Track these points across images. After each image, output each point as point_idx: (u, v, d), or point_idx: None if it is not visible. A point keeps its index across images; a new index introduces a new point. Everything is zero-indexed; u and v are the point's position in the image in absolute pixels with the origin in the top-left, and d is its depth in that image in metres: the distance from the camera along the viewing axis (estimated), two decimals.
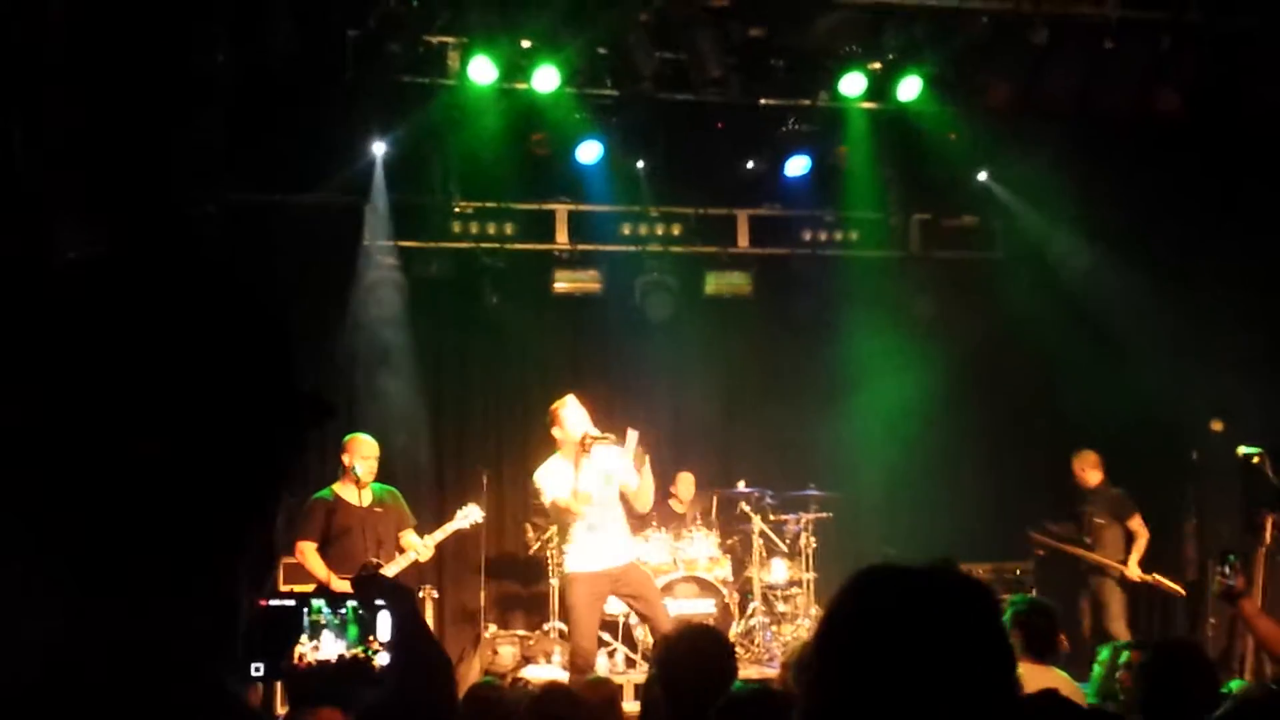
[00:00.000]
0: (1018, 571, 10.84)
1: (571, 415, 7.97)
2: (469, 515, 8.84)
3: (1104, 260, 10.65)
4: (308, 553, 8.18)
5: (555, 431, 8.01)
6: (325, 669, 1.87)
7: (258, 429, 1.36)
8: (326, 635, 1.85)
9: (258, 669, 1.85)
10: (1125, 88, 9.40)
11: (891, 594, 1.64)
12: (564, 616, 8.64)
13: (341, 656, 1.86)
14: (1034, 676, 5.43)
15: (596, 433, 7.89)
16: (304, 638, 1.84)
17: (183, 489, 1.34)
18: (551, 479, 7.91)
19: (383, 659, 1.89)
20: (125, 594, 1.33)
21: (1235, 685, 5.56)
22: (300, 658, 1.86)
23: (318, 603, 1.86)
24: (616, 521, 8.05)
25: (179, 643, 1.35)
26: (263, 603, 1.88)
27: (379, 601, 1.90)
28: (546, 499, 7.94)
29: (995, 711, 1.54)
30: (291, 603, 1.90)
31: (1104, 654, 5.95)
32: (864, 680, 1.57)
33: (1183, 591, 10.03)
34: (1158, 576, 9.93)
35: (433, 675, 1.97)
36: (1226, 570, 5.82)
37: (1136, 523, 10.08)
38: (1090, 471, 10.26)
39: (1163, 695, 4.35)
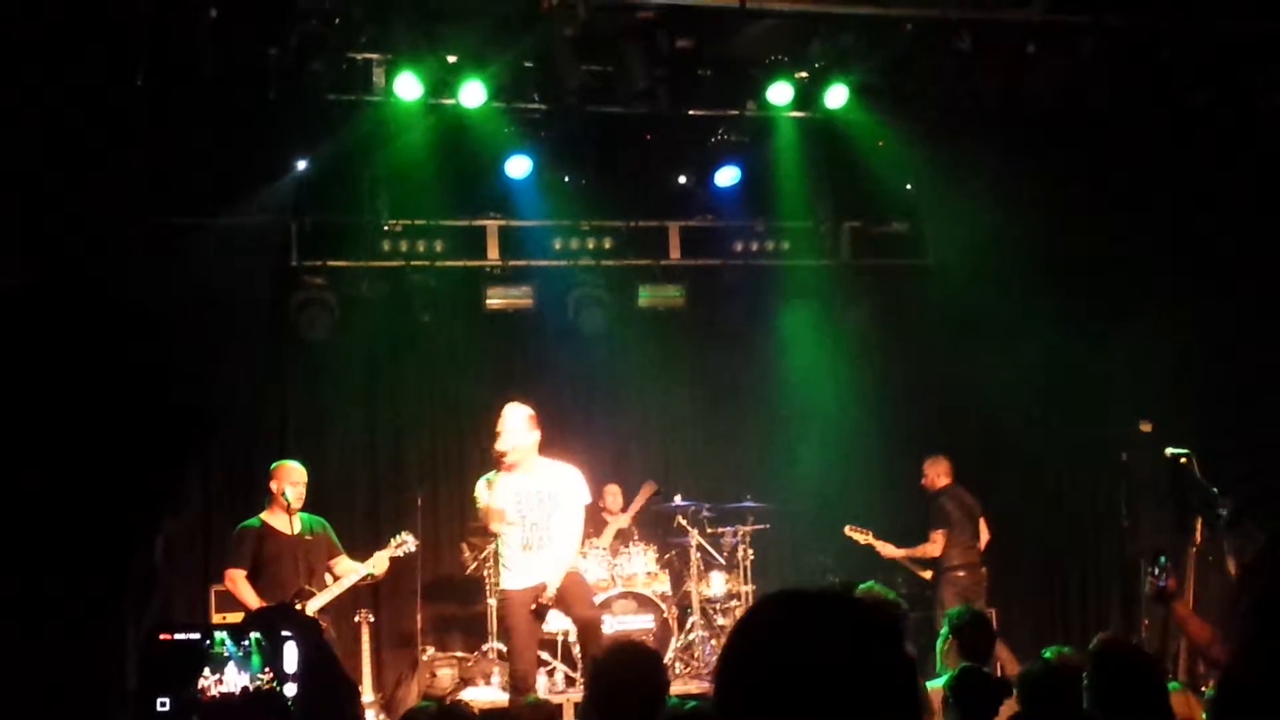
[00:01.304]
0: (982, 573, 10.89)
1: (505, 424, 7.95)
2: (404, 544, 8.79)
3: (1033, 265, 10.73)
4: (238, 580, 8.11)
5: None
6: (233, 701, 1.80)
7: (131, 450, 1.30)
8: (229, 668, 1.79)
9: (163, 704, 1.78)
10: (1050, 91, 9.48)
11: (783, 618, 1.63)
12: (502, 637, 8.55)
13: (246, 689, 1.79)
14: None
15: (503, 449, 7.84)
16: (206, 670, 1.77)
17: (59, 520, 1.28)
18: (479, 491, 7.98)
19: (290, 689, 1.83)
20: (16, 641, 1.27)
21: (1173, 687, 5.58)
22: (204, 691, 1.79)
23: (220, 635, 1.79)
24: (551, 541, 7.95)
25: (73, 680, 1.29)
26: (165, 636, 1.81)
27: (285, 632, 1.83)
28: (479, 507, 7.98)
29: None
30: (196, 636, 1.83)
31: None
32: (753, 703, 1.55)
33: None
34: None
35: (341, 704, 1.91)
36: (1157, 571, 5.84)
37: (936, 535, 10.43)
38: (940, 476, 10.59)
39: (1114, 694, 4.36)
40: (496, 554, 8.39)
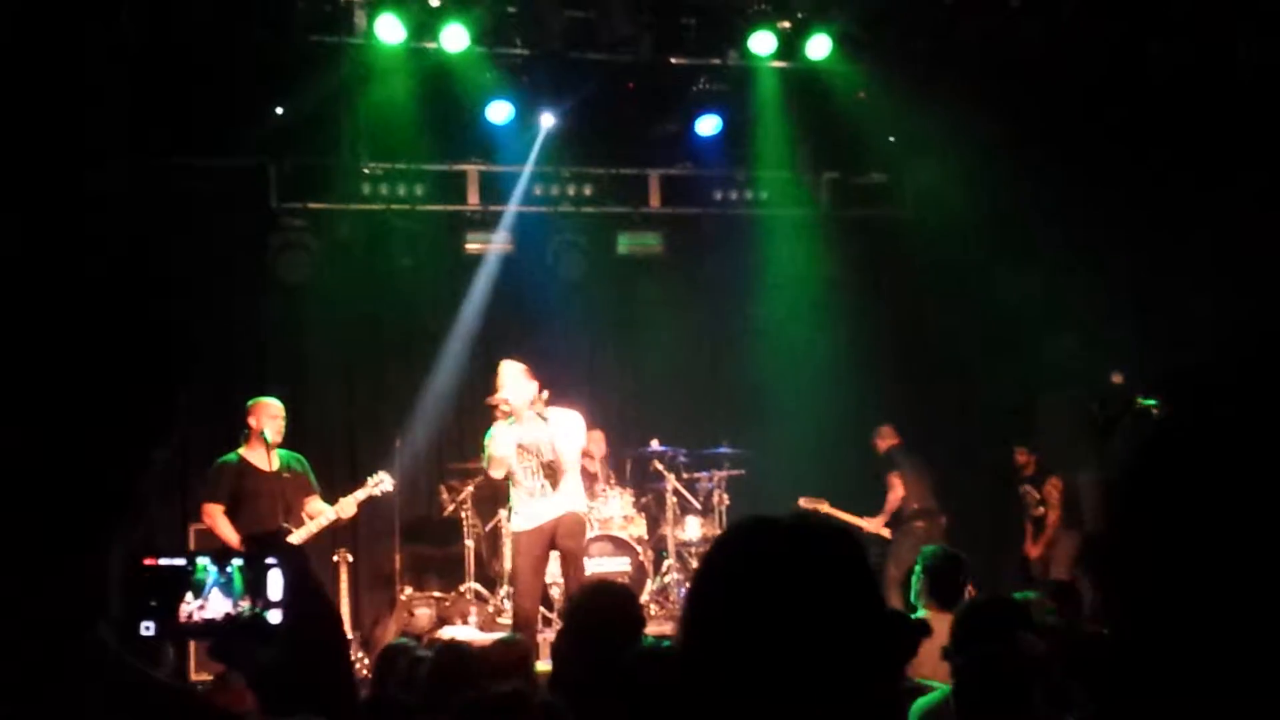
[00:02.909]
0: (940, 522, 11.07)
1: (502, 379, 8.21)
2: (380, 483, 8.83)
3: (1010, 217, 10.80)
4: (216, 516, 8.15)
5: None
6: (215, 626, 1.87)
7: (119, 387, 1.36)
8: (212, 593, 1.86)
9: (148, 628, 1.85)
10: (1031, 44, 9.54)
11: (753, 540, 1.69)
12: (511, 578, 8.76)
13: (229, 614, 1.86)
14: (939, 624, 5.54)
15: (498, 401, 8.11)
16: (189, 596, 1.84)
17: (43, 454, 1.35)
18: (487, 439, 8.21)
19: (274, 616, 1.90)
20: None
21: None
22: (187, 616, 1.86)
23: (202, 561, 1.86)
24: (548, 486, 8.25)
25: (58, 607, 1.36)
26: (149, 561, 1.87)
27: (269, 560, 1.90)
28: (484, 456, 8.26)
29: (852, 651, 1.59)
30: (181, 561, 1.90)
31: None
32: (722, 622, 1.62)
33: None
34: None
35: (326, 631, 1.98)
36: None
37: (893, 479, 10.83)
38: (886, 439, 11.03)
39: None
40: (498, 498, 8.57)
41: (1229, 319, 9.74)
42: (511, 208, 11.34)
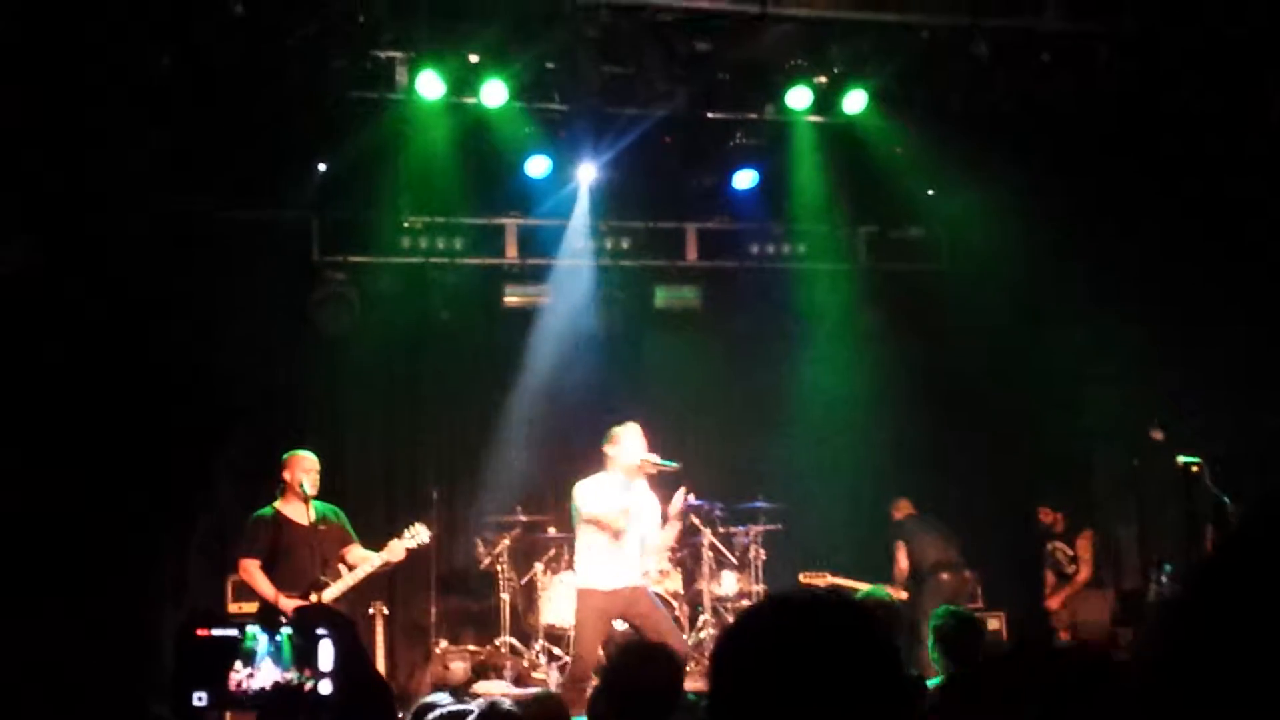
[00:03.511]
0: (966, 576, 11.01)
1: (631, 438, 8.34)
2: (417, 535, 8.81)
3: (1045, 269, 10.77)
4: (253, 571, 8.15)
5: (609, 449, 8.35)
6: (265, 695, 1.88)
7: (160, 447, 1.39)
8: (262, 662, 1.87)
9: (200, 699, 1.86)
10: (1064, 97, 9.55)
11: (769, 619, 1.72)
12: (576, 631, 8.71)
13: (278, 684, 1.87)
14: None
15: (656, 459, 8.33)
16: (238, 664, 1.85)
17: (96, 515, 1.37)
18: (598, 492, 8.26)
19: (324, 687, 1.90)
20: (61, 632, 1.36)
21: None
22: (237, 685, 1.87)
23: (251, 630, 1.87)
24: (634, 546, 8.34)
25: (110, 672, 1.38)
26: (202, 632, 1.89)
27: (320, 630, 1.91)
28: (587, 510, 8.24)
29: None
30: (233, 632, 1.91)
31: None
32: (739, 699, 1.63)
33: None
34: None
35: (375, 703, 1.99)
36: (1164, 579, 5.91)
37: (898, 549, 10.80)
38: (900, 510, 11.03)
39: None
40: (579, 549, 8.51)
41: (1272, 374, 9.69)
42: (550, 261, 11.41)
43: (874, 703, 1.64)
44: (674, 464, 8.35)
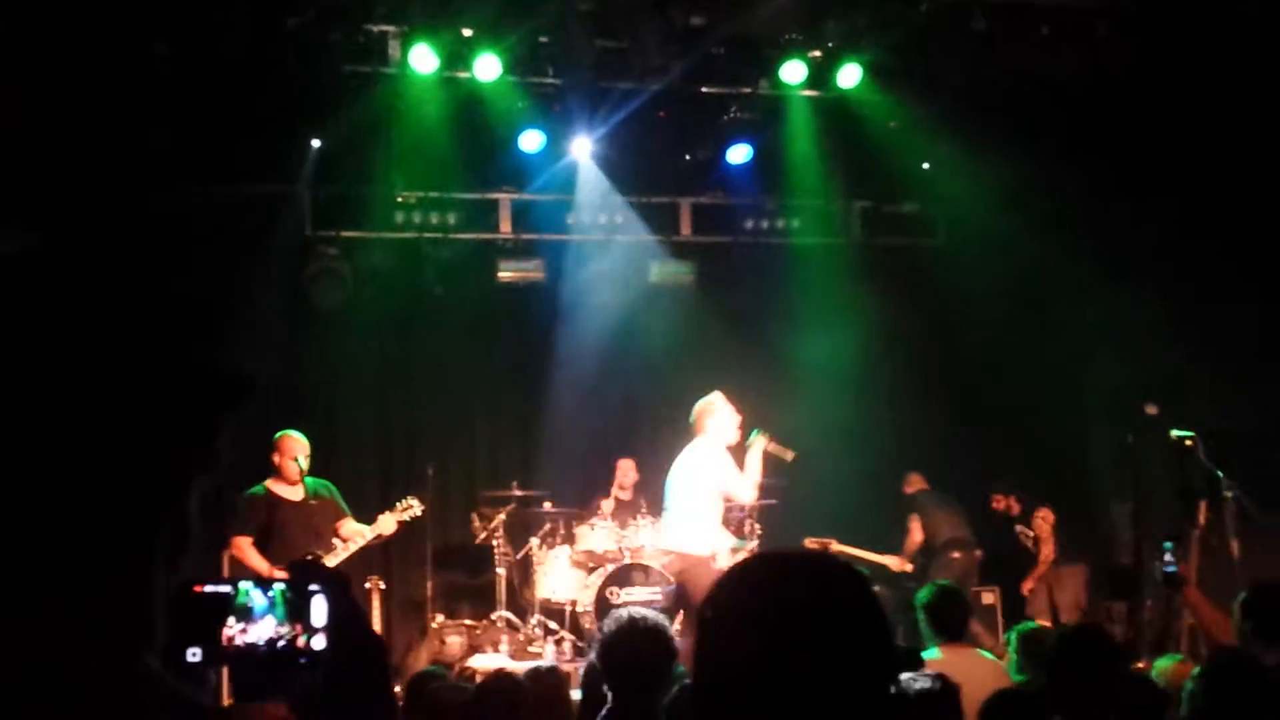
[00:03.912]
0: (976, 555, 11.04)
1: (725, 409, 8.78)
2: (410, 508, 8.92)
3: (1041, 245, 10.76)
4: (245, 548, 8.28)
5: (709, 421, 8.75)
6: (258, 651, 1.88)
7: (166, 411, 1.37)
8: (254, 619, 1.87)
9: (194, 654, 1.86)
10: (1063, 71, 9.53)
11: (757, 574, 1.70)
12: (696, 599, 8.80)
13: (271, 640, 1.87)
14: (953, 657, 5.53)
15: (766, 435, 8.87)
16: (231, 620, 1.85)
17: (95, 477, 1.36)
18: (724, 463, 8.67)
19: (318, 642, 1.90)
20: (52, 592, 1.35)
21: (1175, 659, 5.66)
22: (229, 640, 1.87)
23: (245, 586, 1.87)
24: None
25: (105, 633, 1.37)
26: (197, 588, 1.89)
27: (313, 586, 1.90)
28: (705, 481, 8.56)
29: (857, 683, 1.59)
30: (227, 588, 1.91)
31: (1012, 636, 6.06)
32: (727, 658, 1.64)
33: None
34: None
35: (369, 658, 1.99)
36: (1168, 557, 5.92)
37: (912, 522, 10.99)
38: (913, 485, 11.21)
39: (1071, 677, 4.40)
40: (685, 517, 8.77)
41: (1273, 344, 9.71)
42: (543, 236, 11.39)
43: (859, 658, 1.63)
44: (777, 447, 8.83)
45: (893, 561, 10.82)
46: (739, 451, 8.86)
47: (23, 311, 1.42)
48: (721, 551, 8.60)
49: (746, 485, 8.75)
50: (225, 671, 1.89)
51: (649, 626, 4.53)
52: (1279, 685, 4.18)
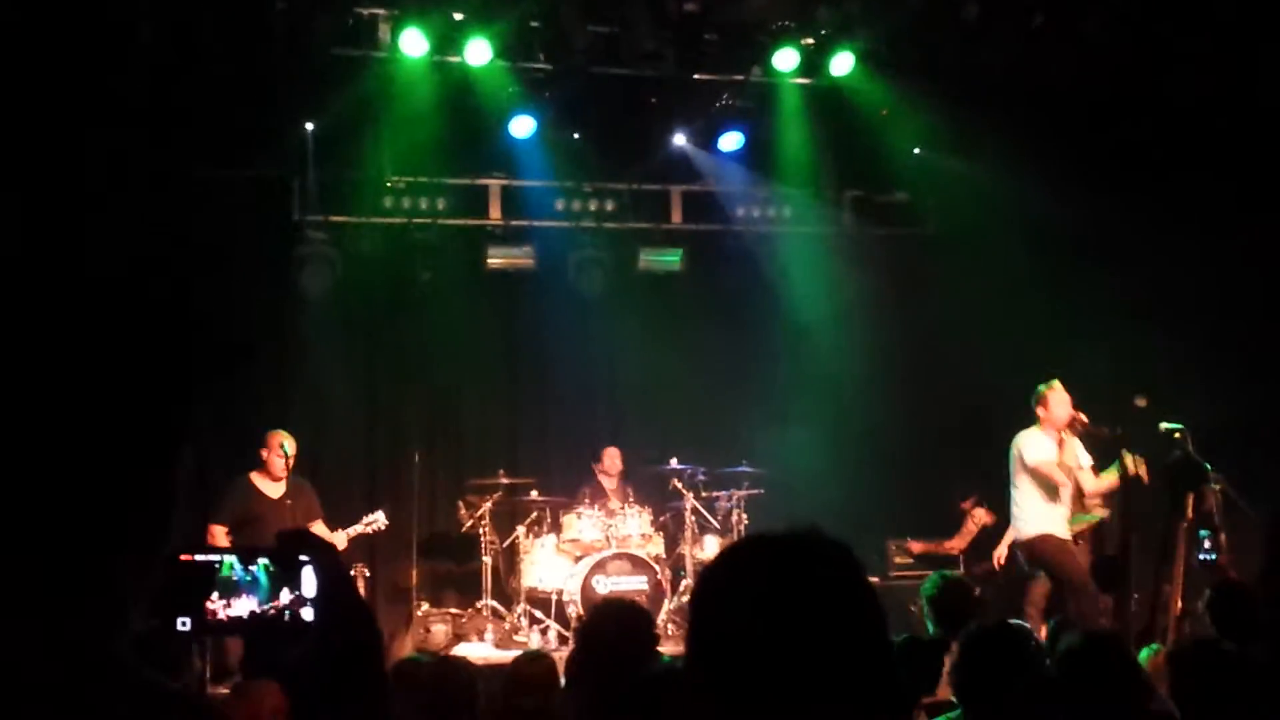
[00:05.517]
0: (945, 546, 11.04)
1: (1059, 398, 8.80)
2: (374, 522, 9.23)
3: (1034, 234, 10.73)
4: (219, 537, 8.45)
5: (1040, 410, 8.84)
6: (240, 624, 1.85)
7: (141, 388, 1.35)
8: (238, 592, 1.83)
9: (184, 623, 1.83)
10: (1054, 64, 9.51)
11: (750, 555, 1.67)
12: (1056, 572, 8.90)
13: (254, 613, 1.83)
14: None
15: (1084, 419, 8.79)
16: (215, 594, 1.81)
17: (68, 456, 1.33)
18: (1038, 445, 8.75)
19: (307, 613, 1.87)
20: (25, 582, 1.32)
21: (1146, 653, 5.65)
22: (213, 614, 1.83)
23: (229, 559, 1.84)
24: (1066, 500, 8.84)
25: (75, 619, 1.34)
26: (186, 558, 1.86)
27: (303, 557, 1.87)
28: (1029, 458, 8.70)
29: (853, 666, 1.56)
30: (215, 558, 1.88)
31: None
32: (720, 640, 1.61)
33: None
34: None
35: (359, 628, 1.95)
36: (1207, 544, 5.94)
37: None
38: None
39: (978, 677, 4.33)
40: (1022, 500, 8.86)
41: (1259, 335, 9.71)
42: (533, 223, 11.34)
43: (853, 637, 1.60)
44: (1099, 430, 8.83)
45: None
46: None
47: (7, 291, 1.39)
48: (1043, 528, 8.75)
49: (1048, 465, 8.75)
50: (206, 657, 1.86)
51: (626, 612, 4.50)
52: (1242, 664, 4.19)
